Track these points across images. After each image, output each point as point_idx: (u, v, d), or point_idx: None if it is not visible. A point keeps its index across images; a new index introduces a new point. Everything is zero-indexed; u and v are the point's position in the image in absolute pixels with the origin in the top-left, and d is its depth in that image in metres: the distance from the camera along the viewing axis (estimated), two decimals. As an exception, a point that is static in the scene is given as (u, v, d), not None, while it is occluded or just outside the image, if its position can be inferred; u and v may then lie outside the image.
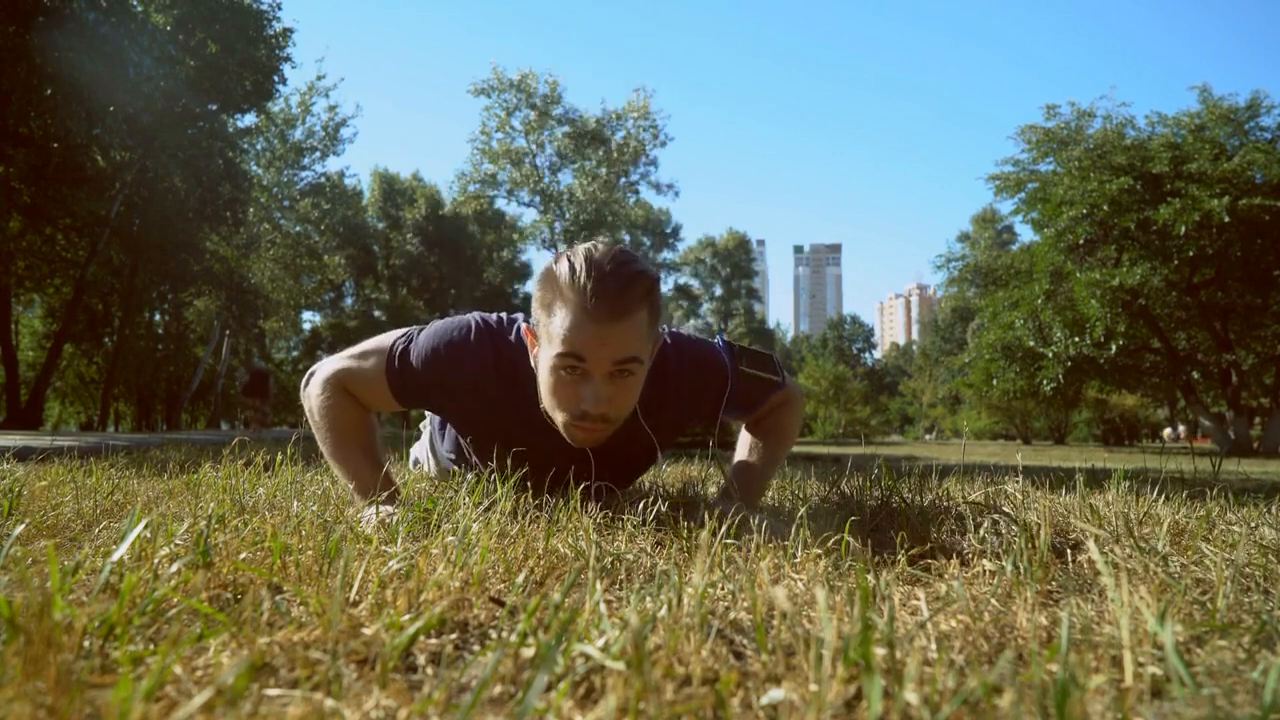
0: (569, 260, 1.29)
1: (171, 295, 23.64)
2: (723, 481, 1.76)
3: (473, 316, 1.55)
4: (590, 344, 1.26)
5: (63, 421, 30.39)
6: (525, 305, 31.90)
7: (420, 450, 2.24)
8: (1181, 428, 36.67)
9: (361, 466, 1.49)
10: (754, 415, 1.73)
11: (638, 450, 1.63)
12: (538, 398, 1.44)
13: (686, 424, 1.67)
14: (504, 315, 1.59)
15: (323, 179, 29.16)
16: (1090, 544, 0.76)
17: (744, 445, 1.74)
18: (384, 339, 1.57)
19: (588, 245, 1.33)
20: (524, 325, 1.46)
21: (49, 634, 0.55)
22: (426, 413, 2.01)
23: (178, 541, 0.95)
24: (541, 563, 0.97)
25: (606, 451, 1.56)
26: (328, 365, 1.57)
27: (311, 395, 1.55)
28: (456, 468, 1.88)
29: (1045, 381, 16.95)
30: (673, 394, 1.57)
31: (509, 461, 1.49)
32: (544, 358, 1.34)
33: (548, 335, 1.31)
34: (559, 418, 1.37)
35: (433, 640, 0.68)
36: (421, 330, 1.55)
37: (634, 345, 1.29)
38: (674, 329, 1.66)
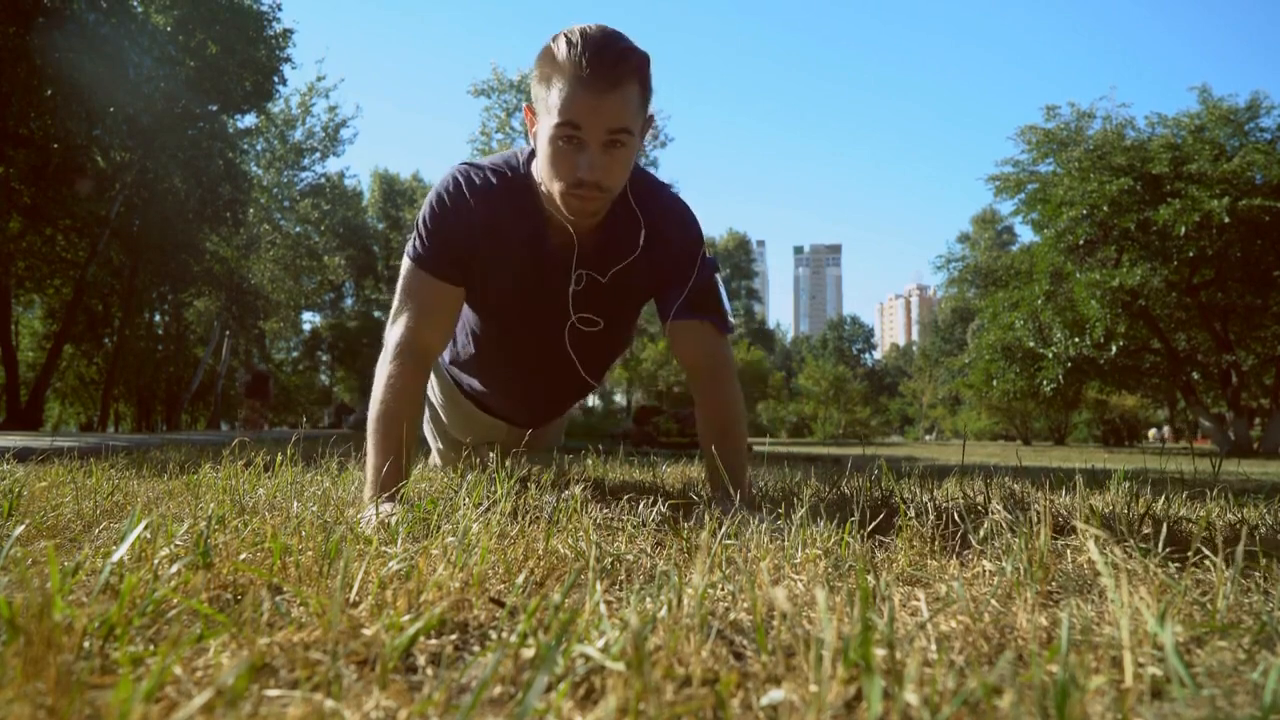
0: (565, 37, 1.37)
1: (171, 296, 23.62)
2: (710, 477, 1.76)
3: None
4: (586, 113, 1.36)
5: (63, 422, 30.37)
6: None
7: (429, 393, 2.33)
8: (1167, 428, 36.55)
9: (386, 456, 1.51)
10: (698, 348, 1.73)
11: (623, 303, 1.76)
12: (537, 206, 1.59)
13: (661, 277, 1.73)
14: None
15: (323, 180, 29.14)
16: (1090, 544, 0.76)
17: (711, 434, 1.73)
18: (403, 266, 1.68)
19: (583, 25, 1.41)
20: (525, 105, 1.53)
21: (49, 634, 0.55)
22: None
23: (178, 542, 0.95)
24: (541, 563, 0.97)
25: (597, 296, 1.70)
26: (389, 335, 1.65)
27: (379, 367, 1.63)
28: (462, 376, 2.05)
29: (1045, 382, 16.95)
30: (659, 234, 1.67)
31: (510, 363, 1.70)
32: (542, 131, 1.43)
33: (546, 108, 1.40)
34: (556, 188, 1.46)
35: (433, 641, 0.68)
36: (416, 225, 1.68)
37: (626, 117, 1.39)
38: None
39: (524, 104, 1.53)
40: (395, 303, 1.66)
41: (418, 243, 1.62)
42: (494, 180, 1.61)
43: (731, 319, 1.79)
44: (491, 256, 1.64)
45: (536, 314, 1.74)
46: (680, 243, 1.71)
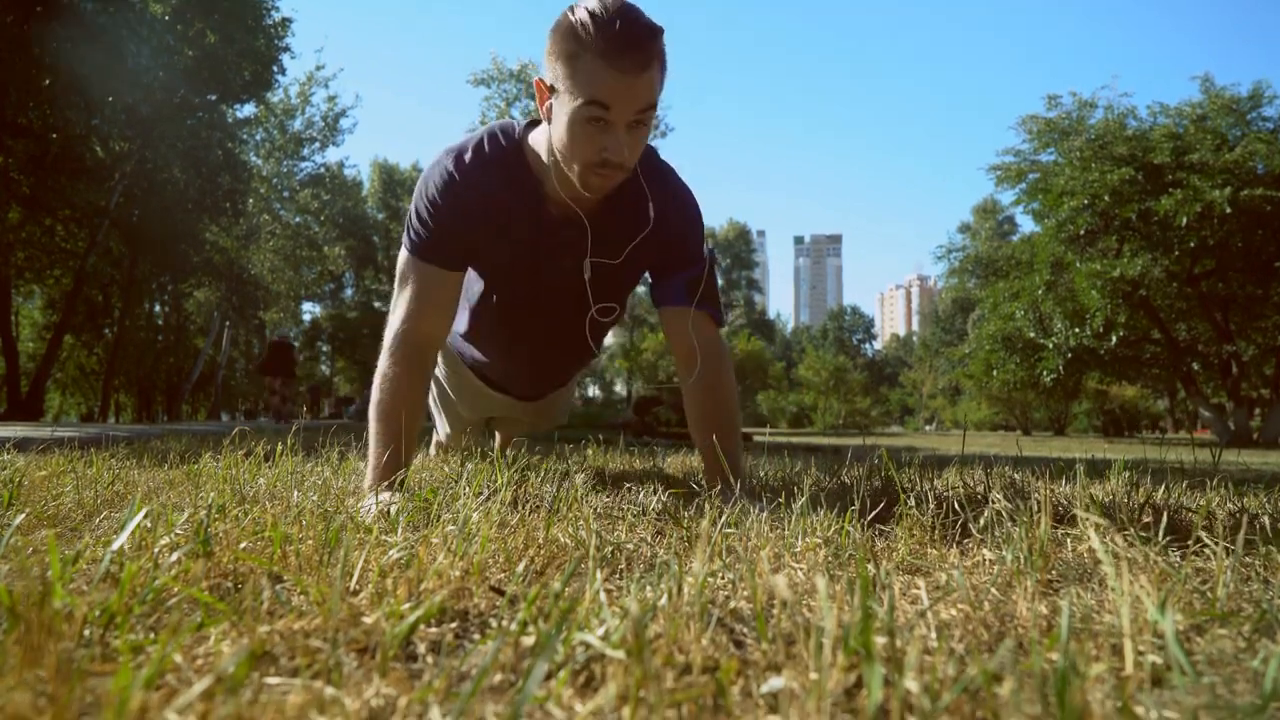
0: (589, 11, 1.33)
1: (171, 286, 23.62)
2: (708, 466, 1.76)
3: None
4: (617, 94, 1.33)
5: (63, 413, 30.39)
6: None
7: (431, 397, 2.36)
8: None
9: (387, 445, 1.52)
10: (699, 335, 1.74)
11: (636, 268, 1.74)
12: (536, 181, 1.57)
13: (667, 258, 1.73)
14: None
15: (322, 170, 29.05)
16: (1090, 533, 0.76)
17: (704, 423, 1.74)
18: (400, 259, 1.66)
19: None
20: (535, 79, 1.49)
21: (49, 622, 0.55)
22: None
23: (178, 531, 0.95)
24: (542, 552, 0.97)
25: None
26: (390, 327, 1.64)
27: (380, 363, 1.62)
28: (466, 348, 2.06)
29: (1045, 372, 16.94)
30: (670, 211, 1.67)
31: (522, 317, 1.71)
32: (563, 108, 1.38)
33: (570, 85, 1.35)
34: (576, 167, 1.43)
35: (433, 629, 0.68)
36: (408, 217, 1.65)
37: (653, 94, 1.38)
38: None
39: (535, 78, 1.48)
40: (395, 292, 1.65)
41: (413, 231, 1.61)
42: (486, 151, 1.58)
43: (722, 310, 1.80)
44: (489, 229, 1.62)
45: (546, 292, 1.73)
46: (687, 229, 1.71)
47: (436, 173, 1.58)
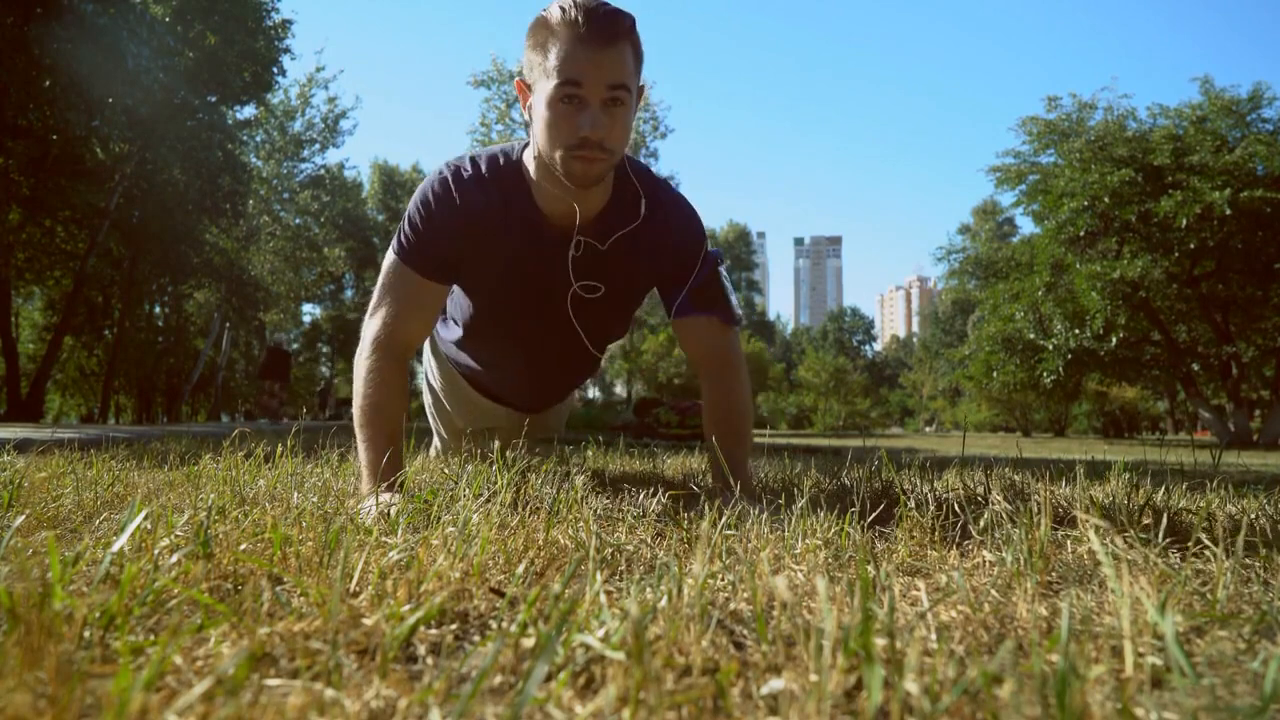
0: (556, 3, 1.39)
1: (171, 288, 23.58)
2: (712, 468, 1.76)
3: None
4: (586, 69, 1.37)
5: (63, 414, 30.36)
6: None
7: (425, 365, 2.37)
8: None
9: (379, 448, 1.53)
10: (705, 344, 1.75)
11: (623, 282, 1.74)
12: (529, 195, 1.59)
13: (663, 269, 1.74)
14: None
15: (322, 171, 29.03)
16: (1090, 535, 0.76)
17: (715, 424, 1.75)
18: (385, 260, 1.67)
19: None
20: (515, 81, 1.56)
21: (49, 624, 0.55)
22: (426, 351, 2.24)
23: (178, 532, 0.95)
24: (542, 554, 0.97)
25: (598, 268, 1.68)
26: (367, 326, 1.64)
27: (357, 361, 1.63)
28: (460, 366, 2.06)
29: (1045, 374, 16.92)
30: (663, 223, 1.67)
31: (511, 331, 1.69)
32: (540, 97, 1.42)
33: (544, 72, 1.40)
34: (558, 154, 1.44)
35: (433, 630, 0.68)
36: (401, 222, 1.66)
37: (624, 73, 1.40)
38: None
39: (516, 80, 1.52)
40: (375, 295, 1.66)
41: (403, 238, 1.61)
42: (484, 170, 1.60)
43: (738, 310, 1.78)
44: (482, 247, 1.63)
45: (536, 291, 1.73)
46: (683, 236, 1.70)
47: (433, 184, 1.60)
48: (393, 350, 1.61)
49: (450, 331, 2.02)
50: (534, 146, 1.52)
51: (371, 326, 1.63)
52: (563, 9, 1.37)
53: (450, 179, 1.59)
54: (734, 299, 1.78)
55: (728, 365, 1.76)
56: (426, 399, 2.45)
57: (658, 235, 1.67)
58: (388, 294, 1.63)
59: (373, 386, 1.58)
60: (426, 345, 2.27)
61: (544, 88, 1.40)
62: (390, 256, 1.64)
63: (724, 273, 1.77)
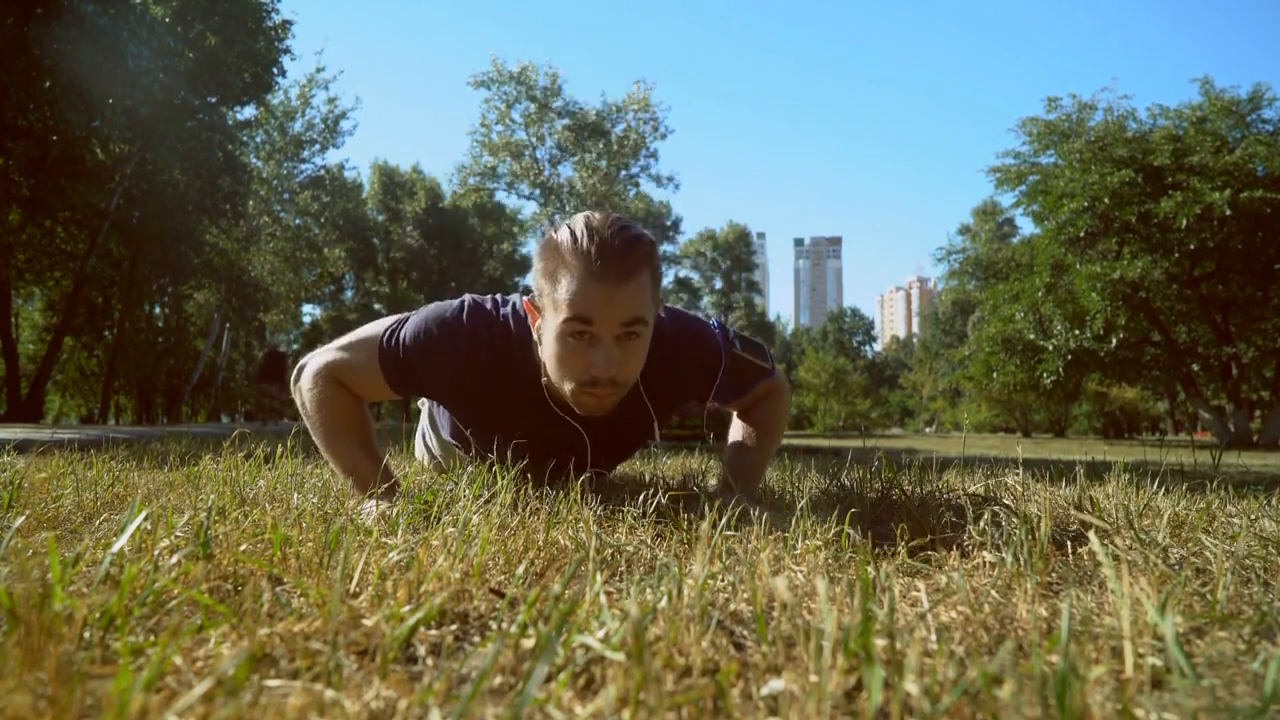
0: (569, 228, 1.30)
1: (171, 288, 23.60)
2: (720, 472, 1.77)
3: (465, 298, 1.56)
4: (598, 306, 1.27)
5: (63, 414, 30.38)
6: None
7: (421, 425, 2.25)
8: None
9: (359, 461, 1.48)
10: (743, 401, 1.75)
11: (635, 428, 1.64)
12: (537, 373, 1.46)
13: (681, 401, 1.68)
14: (498, 296, 1.59)
15: (322, 172, 29.04)
16: (1090, 535, 0.76)
17: (736, 434, 1.76)
18: (374, 327, 1.55)
19: (585, 214, 1.34)
20: (524, 300, 1.45)
21: (49, 625, 0.56)
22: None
23: (178, 533, 0.95)
24: (541, 554, 0.97)
25: (606, 428, 1.57)
26: (318, 357, 1.56)
27: (303, 389, 1.53)
28: (457, 446, 1.87)
29: (1045, 374, 16.93)
30: (670, 369, 1.57)
31: (509, 452, 1.49)
32: (549, 327, 1.34)
33: (553, 303, 1.31)
34: (567, 386, 1.37)
35: (433, 631, 0.68)
36: (412, 315, 1.54)
37: (640, 306, 1.31)
38: (669, 306, 1.66)
39: (525, 299, 1.43)
40: (343, 344, 1.56)
41: (394, 342, 1.49)
42: (498, 337, 1.50)
43: (770, 359, 1.71)
44: (475, 401, 1.55)
45: (537, 440, 1.59)
46: (693, 364, 1.62)
47: (446, 324, 1.49)
48: (342, 389, 1.54)
49: (446, 429, 1.89)
50: (543, 359, 1.42)
51: (324, 361, 1.53)
52: (574, 237, 1.28)
53: (465, 333, 1.48)
54: (763, 351, 1.70)
55: (765, 402, 1.78)
56: (423, 445, 2.29)
57: (666, 376, 1.58)
58: (350, 366, 1.53)
59: (330, 405, 1.50)
60: (424, 414, 2.14)
61: (553, 319, 1.32)
62: (374, 349, 1.51)
63: (738, 345, 1.67)
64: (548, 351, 1.36)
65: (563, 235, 1.31)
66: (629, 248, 1.28)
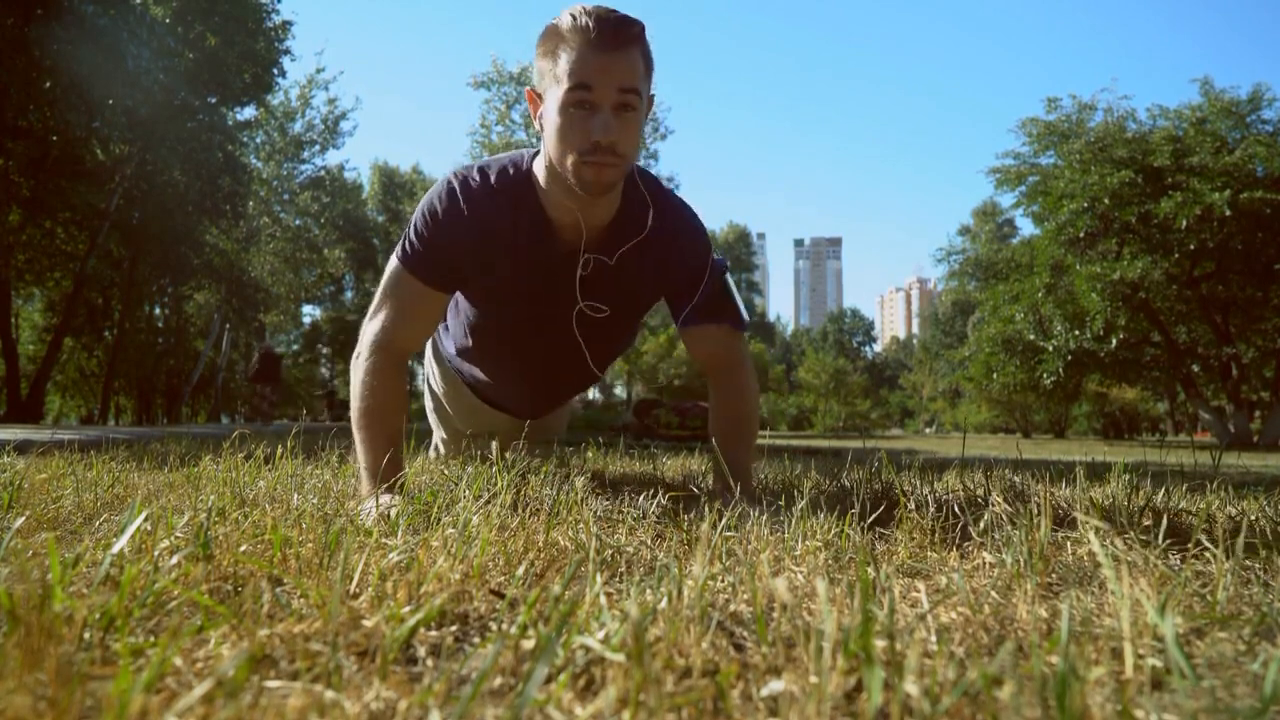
0: (568, 13, 1.40)
1: (171, 289, 23.59)
2: (716, 471, 1.76)
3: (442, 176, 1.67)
4: (596, 72, 1.37)
5: (63, 415, 30.36)
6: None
7: (427, 368, 2.39)
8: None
9: (378, 450, 1.54)
10: (712, 342, 1.77)
11: (631, 299, 1.74)
12: (540, 205, 1.58)
13: (668, 285, 1.74)
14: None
15: (322, 172, 29.06)
16: (1090, 536, 0.76)
17: (721, 428, 1.77)
18: (389, 266, 1.67)
19: (581, 2, 1.44)
20: (526, 90, 1.54)
21: (49, 625, 0.55)
22: (428, 356, 2.27)
23: (178, 534, 0.95)
24: (542, 555, 0.97)
25: (609, 281, 1.68)
26: (365, 330, 1.65)
27: (355, 363, 1.64)
28: (460, 370, 2.07)
29: (1045, 375, 16.92)
30: (669, 242, 1.67)
31: (511, 349, 1.68)
32: (551, 104, 1.42)
33: (554, 78, 1.41)
34: (569, 160, 1.43)
35: (433, 632, 0.68)
36: (406, 228, 1.65)
37: (635, 77, 1.40)
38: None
39: (526, 89, 1.53)
40: (376, 298, 1.66)
41: (407, 245, 1.61)
42: (492, 180, 1.59)
43: (745, 314, 1.79)
44: (488, 258, 1.63)
45: (541, 305, 1.73)
46: (690, 248, 1.70)
47: (440, 193, 1.59)
48: (391, 353, 1.62)
49: (452, 339, 2.02)
50: (545, 156, 1.52)
51: (371, 329, 1.63)
52: (573, 16, 1.38)
53: (458, 188, 1.58)
54: (741, 304, 1.78)
55: (736, 369, 1.78)
56: (427, 401, 2.46)
57: (665, 247, 1.67)
58: (389, 298, 1.63)
59: (371, 389, 1.59)
60: (429, 348, 2.28)
61: (555, 94, 1.41)
62: (394, 262, 1.64)
63: (730, 280, 1.76)
64: (550, 129, 1.44)
65: (562, 19, 1.41)
66: (624, 22, 1.40)
